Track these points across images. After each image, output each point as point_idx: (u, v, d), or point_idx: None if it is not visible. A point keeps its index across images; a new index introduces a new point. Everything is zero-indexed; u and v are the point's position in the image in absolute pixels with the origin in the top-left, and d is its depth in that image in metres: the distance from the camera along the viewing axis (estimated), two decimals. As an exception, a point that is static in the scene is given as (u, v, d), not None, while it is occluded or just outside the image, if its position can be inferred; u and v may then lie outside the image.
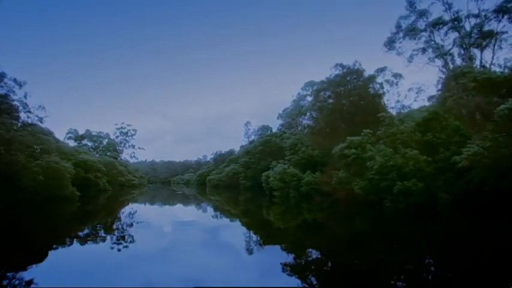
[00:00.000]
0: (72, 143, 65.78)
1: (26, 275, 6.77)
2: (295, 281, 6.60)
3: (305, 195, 28.57)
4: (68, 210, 23.43)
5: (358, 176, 20.69)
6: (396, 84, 35.78)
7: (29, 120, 30.02)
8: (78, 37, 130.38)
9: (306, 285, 6.46)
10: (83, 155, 46.09)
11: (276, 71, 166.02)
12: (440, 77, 34.91)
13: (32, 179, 25.42)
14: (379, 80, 35.30)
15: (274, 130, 62.85)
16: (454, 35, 30.06)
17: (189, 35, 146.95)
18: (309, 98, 50.76)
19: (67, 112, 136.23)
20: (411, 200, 17.50)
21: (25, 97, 29.84)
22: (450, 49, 29.44)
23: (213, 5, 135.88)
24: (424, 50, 30.71)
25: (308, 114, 43.15)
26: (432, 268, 7.90)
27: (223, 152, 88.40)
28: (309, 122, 46.35)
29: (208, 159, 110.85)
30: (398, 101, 33.38)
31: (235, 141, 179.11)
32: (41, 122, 30.72)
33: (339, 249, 9.97)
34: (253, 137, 67.49)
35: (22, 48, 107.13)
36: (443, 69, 34.33)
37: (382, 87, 33.79)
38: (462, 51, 29.87)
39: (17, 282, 6.39)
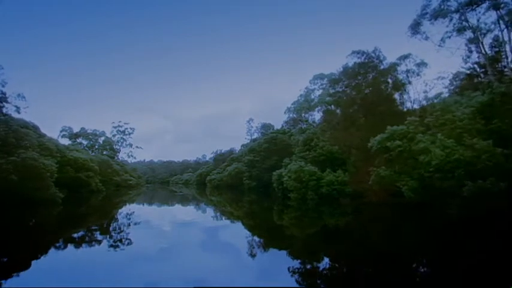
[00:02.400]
0: (66, 142, 60.73)
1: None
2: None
3: (326, 197, 23.82)
4: (43, 217, 18.46)
5: (405, 174, 15.97)
6: (418, 75, 31.13)
7: (4, 111, 25.02)
8: (78, 37, 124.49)
9: None
10: (73, 153, 40.96)
11: (276, 70, 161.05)
12: (462, 67, 30.71)
13: (2, 178, 20.41)
14: (401, 68, 30.81)
15: (276, 128, 58.26)
16: (492, 14, 25.51)
17: (190, 35, 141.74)
18: (317, 93, 46.28)
19: (66, 112, 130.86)
20: (484, 206, 12.79)
21: (2, 85, 25.06)
22: (494, 28, 24.87)
23: (213, 5, 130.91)
24: (459, 30, 26.04)
25: (318, 107, 38.56)
26: None
27: (223, 151, 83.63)
28: (320, 116, 41.83)
29: (207, 158, 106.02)
30: (425, 91, 28.73)
31: (235, 141, 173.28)
32: (18, 113, 25.71)
33: None
34: (256, 135, 62.70)
35: (22, 47, 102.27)
36: (468, 59, 30.10)
37: (407, 76, 29.20)
38: (504, 30, 25.28)
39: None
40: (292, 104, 45.05)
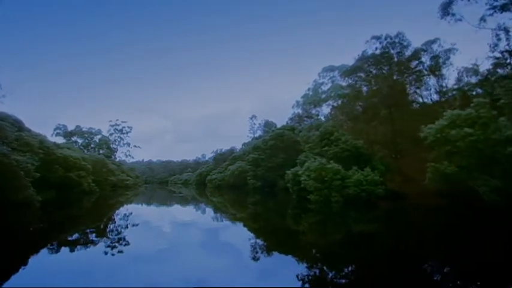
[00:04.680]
0: (61, 140, 55.93)
1: None
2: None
3: (353, 199, 19.60)
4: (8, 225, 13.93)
5: (478, 171, 11.78)
6: (444, 63, 26.97)
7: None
8: (78, 37, 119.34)
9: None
10: (64, 150, 36.31)
11: (276, 70, 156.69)
12: (489, 56, 26.74)
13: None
14: (427, 55, 26.70)
15: (278, 127, 54.04)
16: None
17: (190, 35, 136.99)
18: (325, 87, 42.13)
19: (66, 112, 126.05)
20: None
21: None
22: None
23: (213, 5, 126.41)
24: (504, 7, 21.87)
25: (332, 101, 34.44)
26: None
27: (223, 151, 79.19)
28: (329, 110, 37.70)
29: (207, 158, 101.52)
30: (459, 79, 24.63)
31: (235, 141, 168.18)
32: (-10, 101, 21.12)
33: None
34: (259, 132, 58.40)
35: (22, 47, 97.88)
36: (495, 48, 26.16)
37: (437, 62, 25.10)
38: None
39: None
40: (301, 97, 40.73)
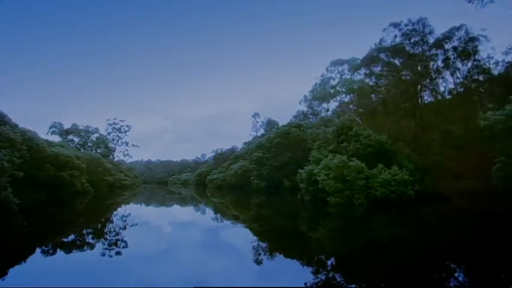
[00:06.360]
0: (57, 139, 52.63)
1: None
2: None
3: (380, 201, 16.72)
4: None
5: None
6: (472, 50, 24.08)
7: None
8: (78, 37, 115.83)
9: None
10: (57, 148, 33.25)
11: (276, 70, 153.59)
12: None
13: None
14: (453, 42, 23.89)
15: (282, 125, 51.06)
16: None
17: (190, 35, 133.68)
18: (333, 82, 39.19)
19: (65, 112, 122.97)
20: None
21: None
22: None
23: (213, 5, 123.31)
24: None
25: (343, 96, 31.57)
26: None
27: (224, 150, 76.17)
28: (335, 106, 34.78)
29: (206, 158, 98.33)
30: (492, 66, 21.82)
31: (235, 141, 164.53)
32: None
33: None
34: (261, 131, 55.45)
35: (22, 47, 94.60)
36: None
37: (466, 49, 22.24)
38: None
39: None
40: (309, 92, 37.66)
